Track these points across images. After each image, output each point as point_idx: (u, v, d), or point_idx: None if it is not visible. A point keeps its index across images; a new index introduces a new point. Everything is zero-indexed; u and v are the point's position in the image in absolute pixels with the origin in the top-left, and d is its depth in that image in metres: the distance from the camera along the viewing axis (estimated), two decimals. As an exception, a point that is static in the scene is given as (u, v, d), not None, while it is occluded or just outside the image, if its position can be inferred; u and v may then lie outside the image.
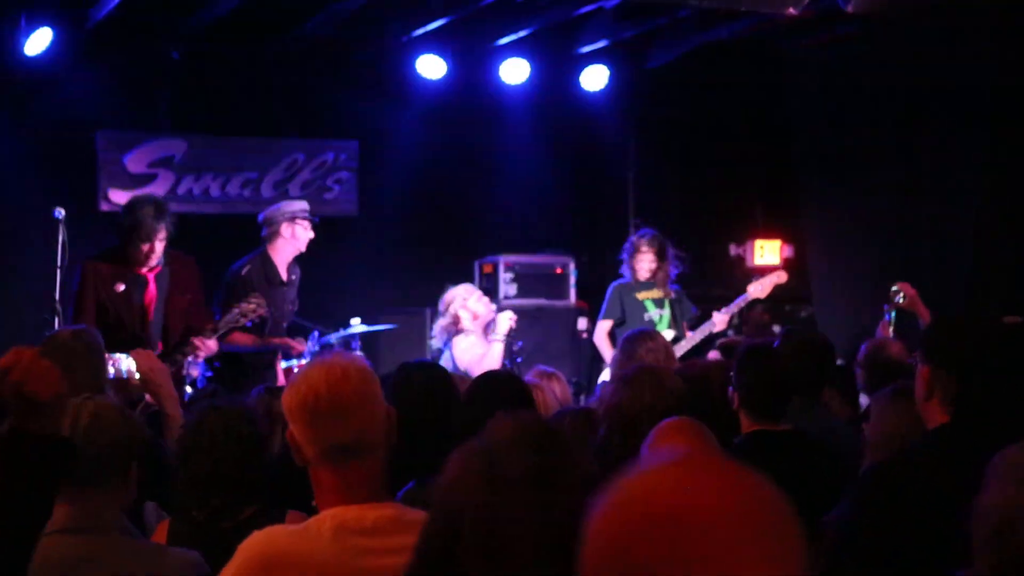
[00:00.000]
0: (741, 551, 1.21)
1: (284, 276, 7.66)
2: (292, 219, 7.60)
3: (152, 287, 6.81)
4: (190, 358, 6.72)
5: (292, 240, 7.62)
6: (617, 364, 5.59)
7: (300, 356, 7.31)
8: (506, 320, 7.53)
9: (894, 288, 6.73)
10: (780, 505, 1.27)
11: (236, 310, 6.66)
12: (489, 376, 4.47)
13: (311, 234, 7.69)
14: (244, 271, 7.47)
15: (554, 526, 1.79)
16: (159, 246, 6.68)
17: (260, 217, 7.78)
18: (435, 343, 7.95)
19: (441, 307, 7.80)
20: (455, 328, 7.66)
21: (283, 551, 2.51)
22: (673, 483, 1.26)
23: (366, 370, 2.65)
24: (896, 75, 9.89)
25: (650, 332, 6.04)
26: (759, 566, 1.21)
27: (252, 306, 6.67)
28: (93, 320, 6.54)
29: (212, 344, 6.62)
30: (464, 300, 7.72)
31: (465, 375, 6.80)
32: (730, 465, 1.29)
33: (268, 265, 7.57)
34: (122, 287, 6.72)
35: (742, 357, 4.39)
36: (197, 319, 6.81)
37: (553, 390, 5.37)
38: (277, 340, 7.40)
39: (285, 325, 7.71)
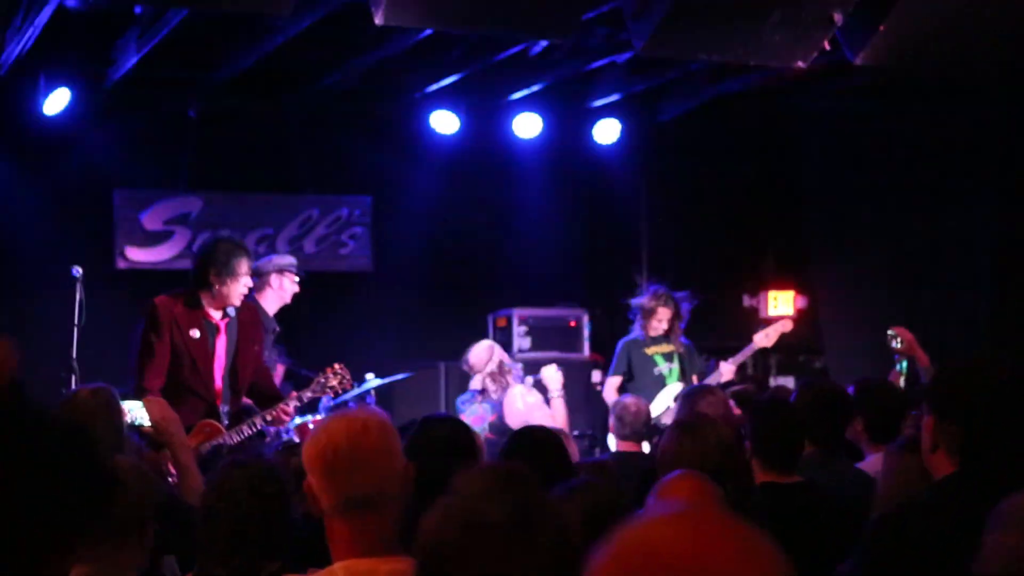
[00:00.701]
0: None
1: (275, 325, 7.75)
2: (281, 271, 7.74)
3: (223, 336, 6.58)
4: (271, 428, 6.61)
5: (279, 291, 7.77)
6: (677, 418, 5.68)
7: (285, 427, 7.03)
8: (555, 373, 7.56)
9: (890, 332, 6.71)
10: (776, 561, 1.29)
11: (321, 381, 6.63)
12: (529, 431, 4.46)
13: (297, 288, 7.81)
14: (255, 308, 7.51)
15: (536, 568, 1.80)
16: (248, 284, 6.55)
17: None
18: (468, 403, 7.89)
19: (478, 364, 7.83)
20: (504, 381, 7.68)
21: None
22: (674, 535, 1.28)
23: (386, 424, 2.67)
24: (907, 127, 9.94)
25: (709, 387, 6.12)
26: None
27: (336, 381, 6.64)
28: (166, 366, 6.33)
29: (292, 412, 6.61)
30: (498, 354, 7.81)
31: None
32: (729, 520, 1.31)
33: (263, 314, 7.60)
34: (197, 334, 6.44)
35: (757, 408, 4.43)
36: (264, 373, 6.80)
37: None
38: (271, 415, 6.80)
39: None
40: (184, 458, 4.68)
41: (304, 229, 10.72)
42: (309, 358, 9.82)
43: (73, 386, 6.43)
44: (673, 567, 1.25)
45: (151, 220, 10.22)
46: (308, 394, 6.72)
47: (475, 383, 7.96)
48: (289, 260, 7.92)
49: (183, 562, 3.84)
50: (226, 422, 6.44)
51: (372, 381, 8.98)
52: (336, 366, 6.77)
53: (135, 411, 5.21)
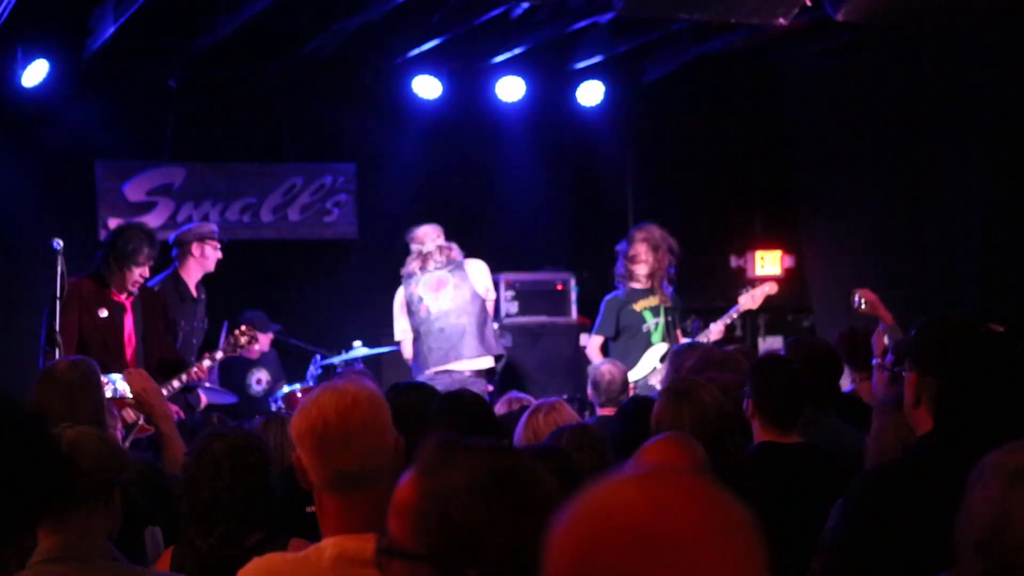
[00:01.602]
0: (701, 568, 1.21)
1: (194, 294, 7.80)
2: (201, 239, 7.77)
3: (130, 314, 6.98)
4: (179, 383, 6.94)
5: (201, 259, 7.79)
6: (666, 378, 5.81)
7: (200, 382, 7.33)
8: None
9: (856, 296, 6.70)
10: (745, 524, 1.26)
11: (231, 341, 7.02)
12: (458, 396, 4.41)
13: (219, 255, 7.86)
14: (156, 289, 7.56)
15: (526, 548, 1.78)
16: (144, 274, 6.94)
17: (171, 238, 7.94)
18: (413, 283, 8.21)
19: (427, 237, 8.28)
20: (449, 255, 8.17)
21: None
22: (636, 496, 1.26)
23: (376, 397, 2.63)
24: (893, 82, 9.90)
25: (696, 345, 6.26)
26: None
27: (246, 339, 6.86)
28: (74, 344, 6.67)
29: (207, 372, 7.07)
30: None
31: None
32: (698, 481, 1.29)
33: (179, 283, 7.73)
34: (104, 313, 6.88)
35: (757, 366, 4.42)
36: (166, 347, 7.20)
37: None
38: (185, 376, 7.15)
39: (196, 342, 7.80)
40: (167, 428, 4.68)
41: (288, 197, 10.67)
42: (296, 327, 9.83)
43: (56, 358, 6.40)
44: (632, 529, 1.22)
45: (134, 191, 10.16)
46: (219, 354, 7.20)
47: (413, 262, 8.23)
48: (209, 228, 7.98)
49: (168, 535, 3.83)
50: None
51: (359, 349, 8.98)
52: (243, 327, 7.27)
53: (117, 383, 5.19)
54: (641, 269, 8.33)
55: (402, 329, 8.30)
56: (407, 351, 8.29)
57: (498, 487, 1.79)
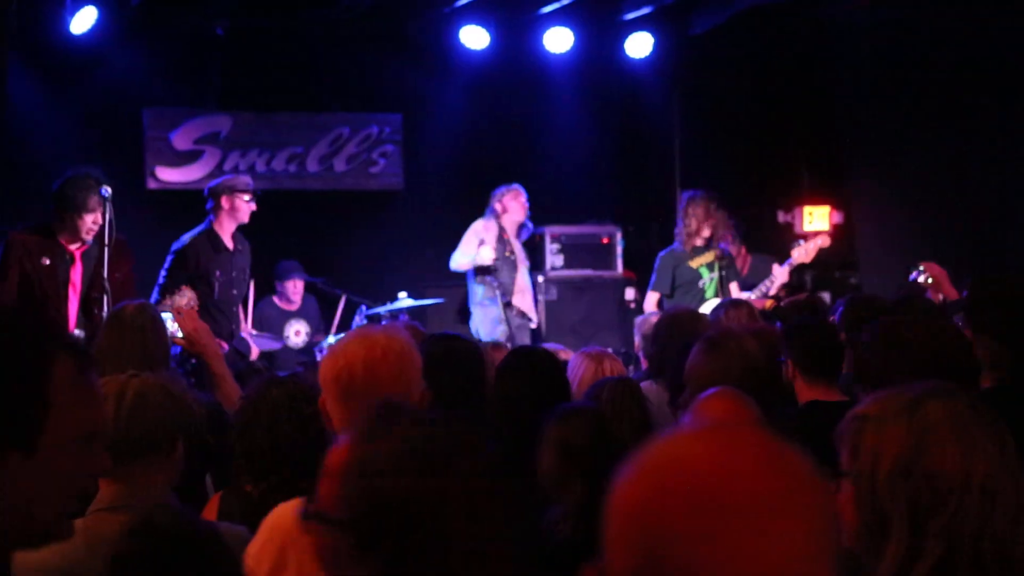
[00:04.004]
0: (768, 525, 1.19)
1: (229, 245, 7.75)
2: (232, 191, 7.68)
3: (79, 264, 6.87)
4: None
5: (232, 211, 7.72)
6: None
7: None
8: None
9: (920, 269, 6.26)
10: (813, 480, 1.24)
11: (168, 302, 6.65)
12: (523, 352, 4.42)
13: (252, 207, 7.77)
14: (190, 240, 7.59)
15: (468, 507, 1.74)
16: (97, 220, 6.72)
17: (205, 190, 7.89)
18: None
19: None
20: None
21: None
22: (703, 451, 1.24)
23: (405, 350, 2.62)
24: (944, 36, 9.72)
25: (736, 300, 6.26)
26: (786, 538, 1.19)
27: (185, 300, 6.66)
28: (14, 291, 6.65)
29: None
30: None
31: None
32: (765, 437, 1.27)
33: (212, 235, 7.69)
34: (47, 261, 6.78)
35: (792, 325, 4.37)
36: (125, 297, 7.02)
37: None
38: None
39: (236, 292, 7.76)
40: (219, 368, 4.71)
41: (334, 148, 10.67)
42: (342, 277, 9.85)
43: (106, 306, 6.44)
44: (699, 486, 1.21)
45: (181, 139, 10.19)
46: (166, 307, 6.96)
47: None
48: (242, 180, 7.90)
49: (217, 480, 3.84)
50: None
51: (404, 300, 8.99)
52: (183, 287, 6.51)
53: (167, 323, 5.21)
54: (700, 233, 8.37)
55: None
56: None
57: (427, 462, 1.74)
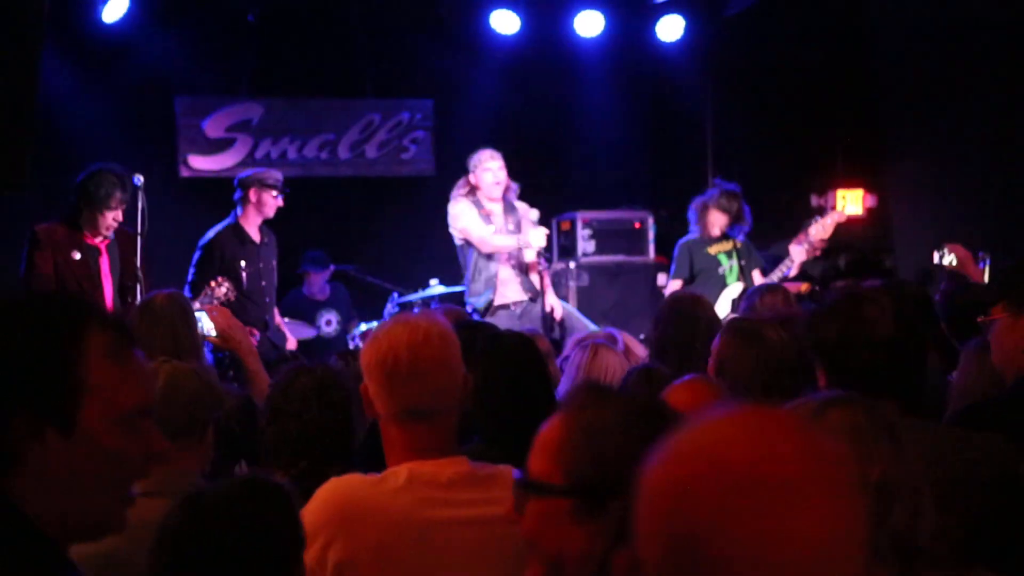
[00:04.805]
0: (801, 510, 1.18)
1: (255, 238, 7.77)
2: (261, 186, 7.70)
3: (105, 256, 6.93)
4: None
5: (258, 205, 7.74)
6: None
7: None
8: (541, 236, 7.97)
9: (944, 251, 6.10)
10: (845, 467, 1.24)
11: (208, 291, 6.67)
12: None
13: (279, 203, 7.77)
14: (215, 235, 7.62)
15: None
16: (117, 218, 6.79)
17: (235, 180, 7.90)
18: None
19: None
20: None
21: (360, 497, 2.57)
22: (736, 436, 1.23)
23: (447, 334, 2.64)
24: (989, 11, 9.58)
25: (771, 285, 6.12)
26: (819, 518, 1.19)
27: (223, 289, 6.68)
28: (52, 282, 6.67)
29: None
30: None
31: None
32: (798, 422, 1.27)
33: (238, 228, 7.73)
34: (78, 256, 6.83)
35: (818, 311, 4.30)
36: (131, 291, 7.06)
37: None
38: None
39: (264, 283, 7.76)
40: (253, 364, 4.72)
41: (366, 134, 10.67)
42: (373, 264, 9.85)
43: (139, 295, 6.47)
44: (731, 471, 1.20)
45: (213, 127, 10.21)
46: (196, 304, 6.70)
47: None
48: (272, 175, 7.87)
49: (252, 467, 3.85)
50: None
51: (436, 287, 8.98)
52: (219, 278, 6.80)
53: (202, 320, 5.22)
54: (716, 225, 8.30)
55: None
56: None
57: (646, 424, 1.84)
